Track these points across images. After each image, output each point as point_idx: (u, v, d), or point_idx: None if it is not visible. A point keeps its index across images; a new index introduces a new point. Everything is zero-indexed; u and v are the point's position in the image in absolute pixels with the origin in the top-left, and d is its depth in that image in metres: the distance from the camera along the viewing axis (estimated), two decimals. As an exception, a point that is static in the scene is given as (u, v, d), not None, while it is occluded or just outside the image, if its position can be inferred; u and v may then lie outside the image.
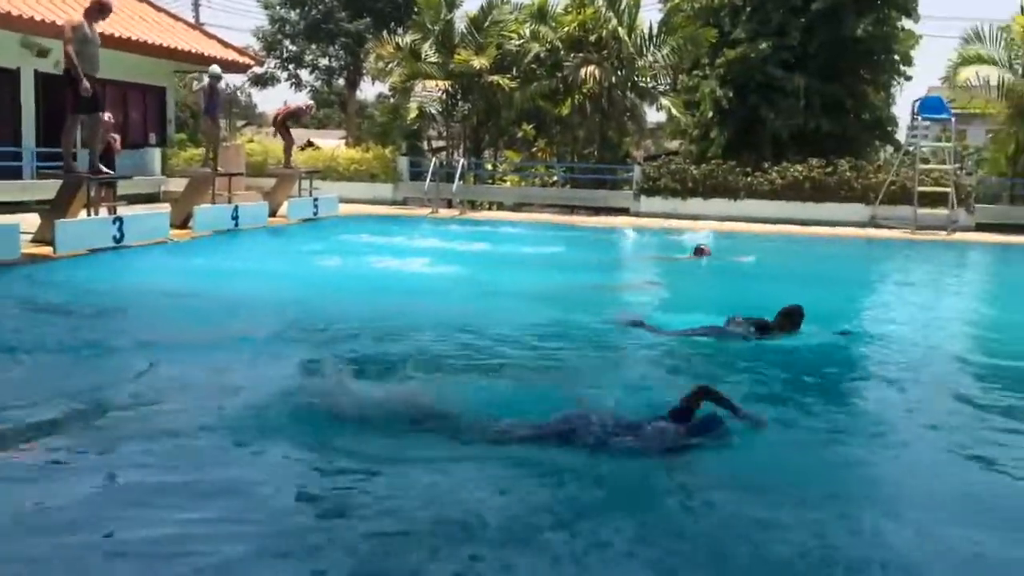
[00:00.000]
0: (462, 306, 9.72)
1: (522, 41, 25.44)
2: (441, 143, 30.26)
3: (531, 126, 28.17)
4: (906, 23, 26.11)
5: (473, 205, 25.61)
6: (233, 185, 19.02)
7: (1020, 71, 22.48)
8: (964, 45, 23.13)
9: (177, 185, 20.34)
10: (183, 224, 16.09)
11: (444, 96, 25.96)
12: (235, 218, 17.01)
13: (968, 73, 22.51)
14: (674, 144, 31.51)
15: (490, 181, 28.16)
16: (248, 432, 5.00)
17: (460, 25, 26.24)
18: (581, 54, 24.61)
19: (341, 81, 38.97)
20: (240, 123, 45.02)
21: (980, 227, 21.97)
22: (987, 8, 63.60)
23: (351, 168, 25.89)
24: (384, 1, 34.65)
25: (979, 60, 22.64)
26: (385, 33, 28.57)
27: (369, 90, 70.39)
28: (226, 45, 26.32)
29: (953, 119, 22.93)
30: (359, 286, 11.17)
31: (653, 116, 30.26)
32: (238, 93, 45.82)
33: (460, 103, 26.71)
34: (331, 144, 34.11)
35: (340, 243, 16.06)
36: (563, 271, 13.33)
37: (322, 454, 4.85)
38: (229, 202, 17.76)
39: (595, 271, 13.91)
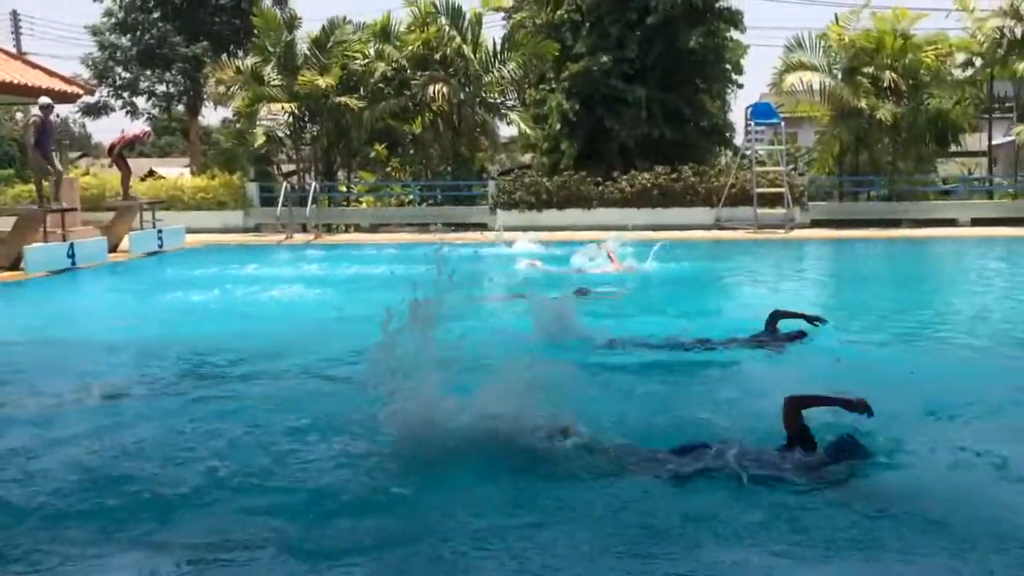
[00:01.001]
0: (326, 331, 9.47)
1: (367, 61, 25.23)
2: (291, 167, 29.55)
3: (383, 146, 27.95)
4: (734, 34, 27.54)
5: (329, 229, 25.11)
6: (68, 221, 17.86)
7: (839, 76, 24.08)
8: (788, 53, 24.61)
9: (4, 224, 18.91)
10: (14, 266, 15.00)
11: (291, 119, 25.40)
12: (71, 256, 16.00)
13: (793, 79, 23.94)
14: (527, 157, 32.01)
15: (345, 203, 27.71)
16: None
17: (302, 46, 25.76)
18: (428, 72, 24.63)
19: (181, 107, 37.42)
20: (75, 155, 42.49)
21: (815, 223, 23.39)
22: (807, 18, 68.07)
23: (197, 197, 24.93)
24: (221, 24, 33.56)
25: (802, 67, 24.13)
26: (224, 57, 27.67)
27: (213, 116, 68.11)
28: (51, 74, 24.64)
29: (782, 123, 24.34)
30: (204, 320, 10.66)
31: (507, 131, 30.70)
32: (71, 123, 43.25)
33: (308, 125, 26.22)
34: (175, 173, 32.69)
35: (187, 276, 15.33)
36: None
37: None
38: (64, 239, 16.66)
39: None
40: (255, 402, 6.42)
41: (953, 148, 27.24)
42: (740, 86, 28.93)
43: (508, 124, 28.18)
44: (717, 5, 26.18)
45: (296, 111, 24.98)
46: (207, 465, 4.94)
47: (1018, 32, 23.47)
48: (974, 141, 28.06)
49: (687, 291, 12.95)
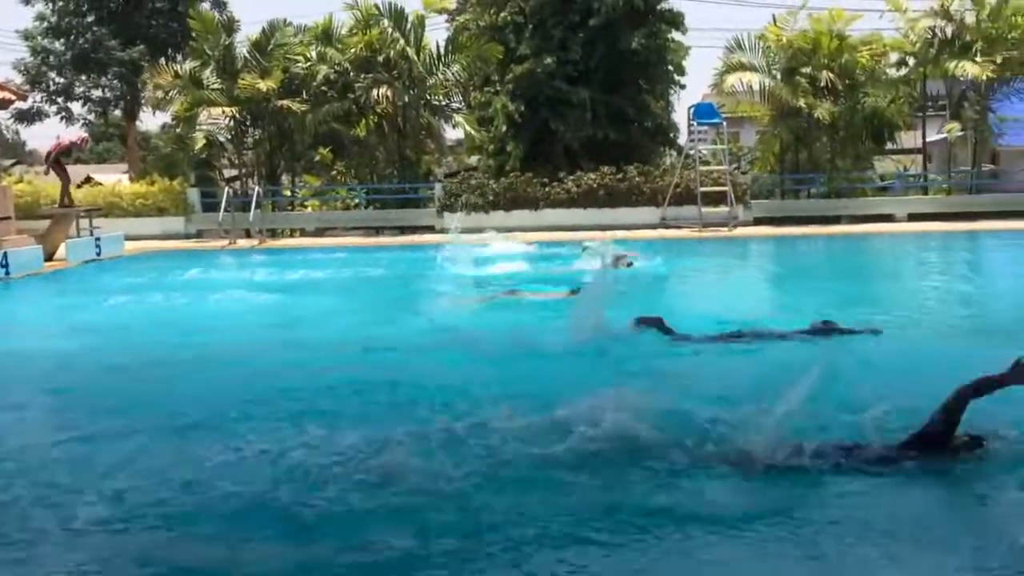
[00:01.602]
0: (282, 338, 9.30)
1: (309, 64, 24.94)
2: (234, 172, 29.07)
3: (328, 149, 27.63)
4: (676, 35, 27.84)
5: (274, 234, 24.75)
6: (2, 229, 17.34)
7: (778, 76, 24.50)
8: (728, 54, 24.97)
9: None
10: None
11: (232, 123, 24.99)
12: (4, 265, 15.52)
13: (733, 80, 24.30)
14: (473, 160, 31.95)
15: (290, 208, 27.34)
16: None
17: (242, 50, 25.36)
18: (371, 75, 24.44)
19: (118, 112, 36.58)
20: (8, 162, 41.21)
21: (758, 221, 23.76)
22: (746, 19, 69.30)
23: (136, 203, 24.40)
24: (158, 28, 32.92)
25: (742, 68, 24.51)
26: (162, 61, 27.12)
27: (152, 121, 66.74)
28: (-20, 79, 24.03)
29: (724, 123, 24.66)
30: (140, 327, 10.40)
31: (453, 133, 30.62)
32: (3, 130, 41.94)
33: (250, 129, 25.83)
34: (112, 179, 31.90)
35: (124, 284, 14.97)
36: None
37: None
38: (-5, 249, 16.14)
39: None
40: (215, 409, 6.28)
41: (889, 146, 27.91)
42: (683, 87, 29.31)
43: (454, 126, 28.17)
44: (658, 7, 26.47)
45: (237, 115, 24.58)
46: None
47: (949, 32, 24.16)
48: (909, 139, 28.76)
49: (680, 286, 13.20)
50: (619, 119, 26.37)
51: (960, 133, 25.65)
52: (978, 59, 23.20)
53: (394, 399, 6.39)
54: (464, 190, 24.36)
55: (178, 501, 4.50)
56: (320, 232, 25.08)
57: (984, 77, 23.11)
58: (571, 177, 24.33)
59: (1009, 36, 23.46)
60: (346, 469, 4.77)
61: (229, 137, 25.94)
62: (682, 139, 28.85)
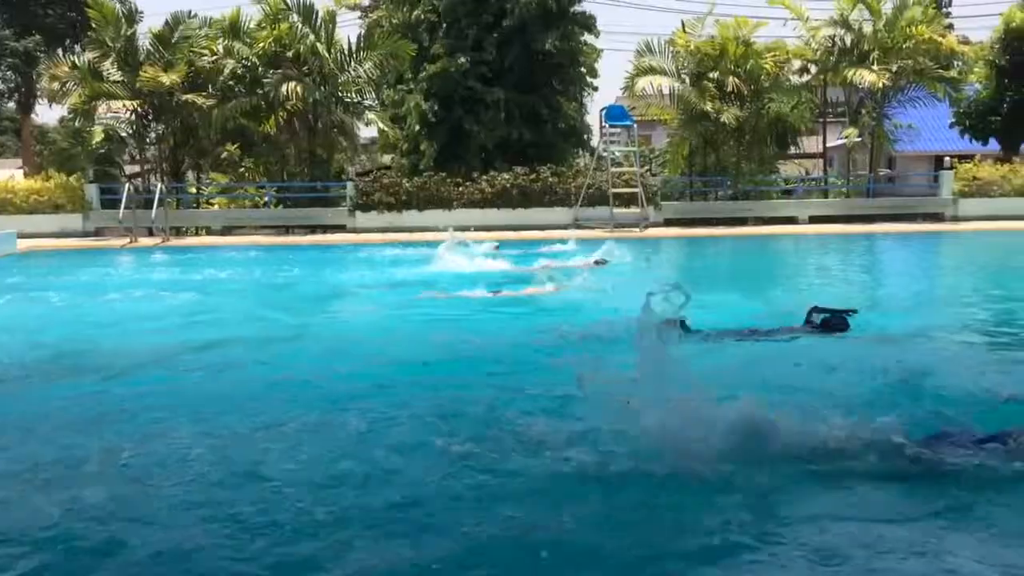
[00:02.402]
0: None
1: (216, 57, 24.26)
2: (136, 168, 28.06)
3: (235, 146, 26.90)
4: (589, 38, 28.15)
5: (178, 232, 23.98)
6: None
7: (687, 80, 25.01)
8: (639, 58, 25.35)
9: None
10: None
11: (134, 117, 24.11)
12: None
13: (644, 83, 24.69)
14: (387, 158, 31.65)
15: (195, 205, 26.54)
16: None
17: (144, 41, 24.49)
18: (280, 70, 23.91)
19: (12, 105, 34.92)
20: None
21: (668, 222, 24.18)
22: (657, 23, 70.62)
23: (31, 199, 23.29)
24: (55, 17, 31.54)
25: (652, 71, 24.92)
26: (60, 52, 26.01)
27: (48, 114, 64.03)
28: None
29: (635, 125, 25.03)
30: (28, 329, 9.89)
31: (367, 132, 30.21)
32: None
33: (153, 124, 24.95)
34: (6, 174, 30.41)
35: (13, 283, 14.25)
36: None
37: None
38: None
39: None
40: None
41: (792, 150, 28.84)
42: (595, 89, 29.71)
43: (367, 124, 27.80)
44: (571, 10, 26.70)
45: (139, 109, 23.75)
46: None
47: (848, 41, 25.07)
48: (811, 143, 29.81)
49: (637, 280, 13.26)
50: (533, 120, 26.50)
51: (858, 139, 26.70)
52: (875, 67, 24.16)
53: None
54: (377, 189, 24.07)
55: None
56: (227, 231, 24.42)
57: (880, 85, 24.06)
58: (485, 177, 24.31)
59: (903, 46, 24.48)
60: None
61: (130, 132, 25.04)
62: (595, 141, 29.17)
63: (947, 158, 29.23)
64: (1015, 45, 26.43)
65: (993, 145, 28.19)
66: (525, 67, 26.15)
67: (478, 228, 22.37)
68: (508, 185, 24.09)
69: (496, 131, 25.72)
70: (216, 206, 27.22)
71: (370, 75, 25.51)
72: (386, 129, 25.54)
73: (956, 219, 23.93)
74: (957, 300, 12.03)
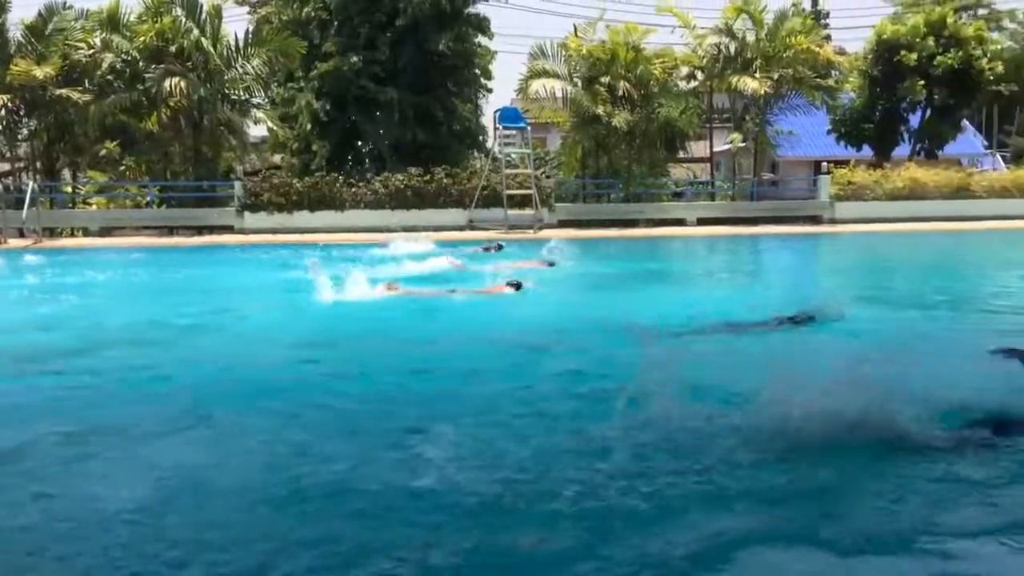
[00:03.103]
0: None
1: (93, 51, 23.22)
2: (6, 166, 26.52)
3: (115, 143, 25.79)
4: (483, 40, 28.23)
5: (52, 233, 22.79)
6: None
7: (579, 84, 25.37)
8: (532, 61, 25.58)
9: None
10: None
11: (3, 112, 22.80)
12: None
13: (537, 86, 24.96)
14: (278, 158, 30.93)
15: (71, 205, 25.30)
16: None
17: (15, 32, 23.20)
18: (163, 65, 23.05)
19: None
20: None
21: (562, 223, 24.45)
22: (551, 27, 71.39)
23: None
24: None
25: (545, 74, 25.20)
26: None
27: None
28: None
29: (529, 127, 25.23)
30: None
31: (257, 131, 29.42)
32: None
33: (25, 119, 23.66)
34: None
35: None
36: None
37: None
38: None
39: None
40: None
41: (681, 154, 29.64)
42: (490, 91, 29.79)
43: (256, 123, 27.08)
44: (465, 11, 26.71)
45: (9, 104, 22.47)
46: None
47: (732, 49, 25.95)
48: (699, 148, 30.68)
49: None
50: (427, 121, 26.38)
51: (743, 144, 27.67)
52: (757, 75, 25.09)
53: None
54: (266, 189, 23.48)
55: None
56: (106, 232, 23.35)
57: (763, 92, 25.01)
58: (378, 178, 24.05)
59: (784, 55, 25.50)
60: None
61: (0, 128, 23.66)
62: (490, 142, 29.28)
63: (825, 163, 30.56)
64: (886, 56, 27.86)
65: (867, 151, 29.64)
66: (419, 68, 26.00)
67: (371, 230, 22.15)
68: (402, 186, 23.90)
69: (390, 132, 25.49)
70: (94, 206, 26.05)
71: (259, 72, 24.91)
72: (276, 128, 24.94)
73: (833, 221, 25.05)
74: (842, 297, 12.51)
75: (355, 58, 24.80)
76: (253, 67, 24.65)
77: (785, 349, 7.50)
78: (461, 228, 23.16)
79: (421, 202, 23.90)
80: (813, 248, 21.76)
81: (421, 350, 7.81)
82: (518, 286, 10.79)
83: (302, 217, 23.23)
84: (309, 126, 25.52)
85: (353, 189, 23.80)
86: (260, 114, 25.61)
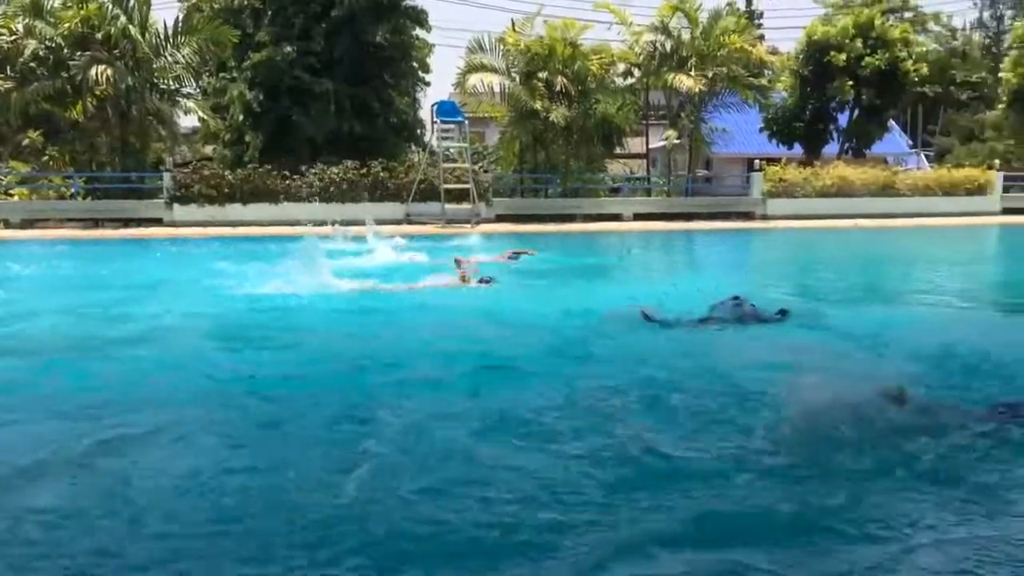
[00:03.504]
0: None
1: (15, 37, 22.36)
2: (-79, 155, 25.44)
3: (38, 133, 24.93)
4: (420, 33, 28.02)
5: (-30, 225, 21.91)
6: None
7: (517, 79, 25.36)
8: (470, 55, 25.48)
9: None
10: None
11: (-82, 99, 21.84)
12: None
13: (475, 80, 24.86)
14: (209, 149, 30.27)
15: (-9, 196, 24.34)
16: None
17: (-69, 16, 22.25)
18: (89, 53, 22.32)
19: None
20: None
21: (499, 218, 24.43)
22: (489, 21, 71.28)
23: None
24: None
25: (483, 68, 25.12)
26: None
27: None
28: None
29: (466, 121, 25.13)
30: None
31: (189, 121, 28.74)
32: None
33: (-59, 107, 22.69)
34: None
35: None
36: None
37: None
38: None
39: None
40: None
41: (618, 150, 29.86)
42: (427, 84, 29.62)
43: (186, 113, 26.44)
44: (402, 3, 26.47)
45: (-76, 90, 21.52)
46: None
47: (668, 47, 26.22)
48: (635, 144, 30.97)
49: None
50: (364, 113, 26.08)
51: (678, 140, 27.97)
52: (692, 73, 25.41)
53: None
54: (197, 181, 22.94)
55: None
56: (28, 224, 22.53)
57: (697, 90, 25.33)
58: (314, 170, 23.69)
59: (718, 54, 25.88)
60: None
61: (-85, 115, 22.68)
62: (428, 136, 29.10)
63: (757, 161, 31.16)
64: (816, 57, 28.52)
65: (798, 149, 30.32)
66: (355, 59, 25.69)
67: (306, 223, 21.81)
68: (338, 179, 23.60)
69: (325, 123, 25.13)
70: (16, 197, 25.06)
71: (189, 61, 24.35)
72: (207, 119, 24.38)
73: (765, 217, 25.55)
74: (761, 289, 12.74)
75: (289, 48, 24.38)
76: (183, 56, 24.08)
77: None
78: (398, 222, 22.97)
79: (357, 195, 23.63)
80: (746, 243, 22.17)
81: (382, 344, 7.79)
82: (488, 281, 11.12)
83: (234, 210, 22.76)
84: (242, 117, 25.02)
85: (287, 182, 23.40)
86: (191, 104, 25.03)
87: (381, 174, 23.89)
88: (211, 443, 4.86)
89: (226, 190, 22.92)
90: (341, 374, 6.71)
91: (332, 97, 25.20)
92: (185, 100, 24.97)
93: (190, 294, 11.17)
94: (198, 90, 27.19)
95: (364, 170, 23.79)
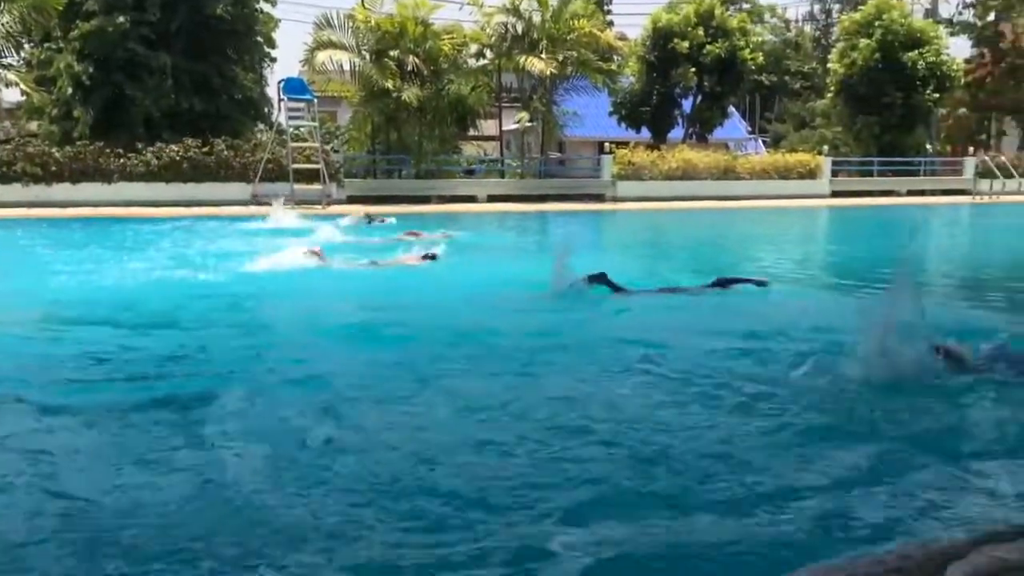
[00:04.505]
0: None
1: None
2: None
3: None
4: (265, 7, 26.97)
5: None
6: None
7: (368, 57, 24.84)
8: (318, 31, 24.75)
9: None
10: None
11: None
12: None
13: (324, 57, 24.18)
14: (34, 125, 28.11)
15: None
16: None
17: None
18: None
19: None
20: None
21: (352, 199, 23.92)
22: None
23: None
24: None
25: (332, 45, 24.46)
26: None
27: None
28: None
29: (315, 99, 24.43)
30: None
31: (11, 95, 26.53)
32: None
33: None
34: None
35: None
36: None
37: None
38: None
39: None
40: None
41: (472, 132, 29.87)
42: (274, 60, 28.57)
43: (7, 86, 24.39)
44: (246, -26, 25.39)
45: None
46: None
47: (519, 29, 26.37)
48: (489, 126, 31.04)
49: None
50: (205, 89, 24.89)
51: (531, 123, 28.28)
52: (543, 56, 25.66)
53: None
54: (20, 159, 21.26)
55: None
56: None
57: (548, 73, 25.61)
58: (151, 149, 22.43)
59: (568, 37, 26.24)
60: None
61: None
62: (275, 114, 28.13)
63: (608, 144, 31.91)
64: (661, 43, 29.43)
65: (645, 133, 31.25)
66: (195, 32, 24.46)
67: (144, 204, 20.74)
68: (178, 158, 22.46)
69: (163, 99, 23.82)
70: None
71: (10, 30, 22.53)
72: (31, 92, 22.61)
73: (615, 199, 26.20)
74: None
75: (121, 18, 22.88)
76: (3, 24, 22.23)
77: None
78: (245, 203, 22.11)
79: (199, 175, 22.57)
80: (597, 224, 22.64)
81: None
82: (432, 256, 11.11)
83: (63, 189, 21.29)
84: (70, 90, 23.32)
85: (122, 160, 22.05)
86: (12, 76, 23.11)
87: (225, 153, 22.90)
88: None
89: (53, 168, 21.38)
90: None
91: (169, 71, 23.91)
92: (7, 72, 23.03)
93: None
94: (20, 61, 25.20)
95: (207, 149, 22.72)
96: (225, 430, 4.21)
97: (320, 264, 10.56)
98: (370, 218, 16.70)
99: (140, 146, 22.46)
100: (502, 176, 28.39)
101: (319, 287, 9.37)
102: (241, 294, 8.82)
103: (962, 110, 37.01)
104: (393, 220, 17.06)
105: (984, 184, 29.18)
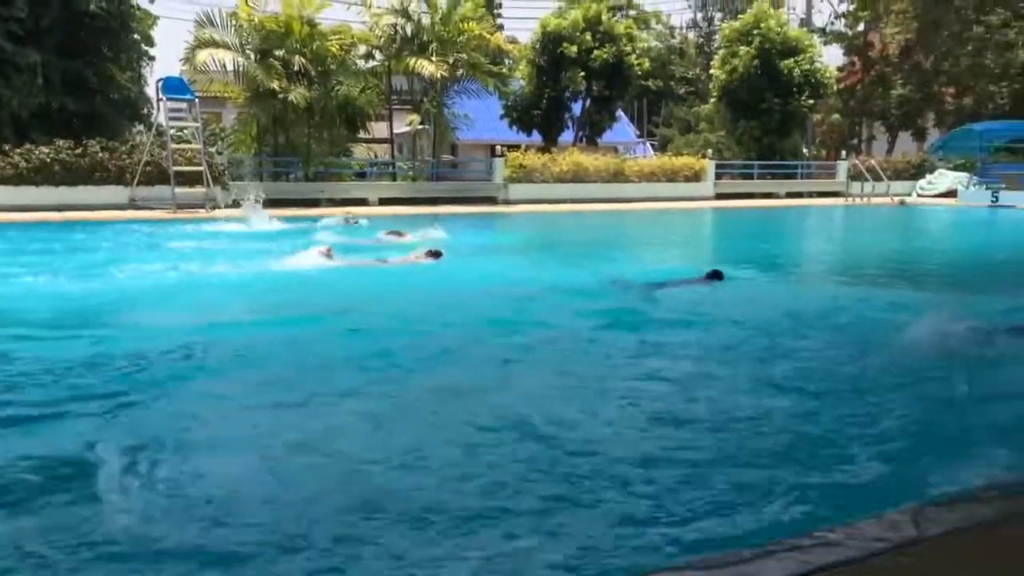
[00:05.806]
0: None
1: None
2: None
3: None
4: (142, 2, 25.94)
5: None
6: None
7: (252, 57, 24.16)
8: (199, 29, 23.91)
9: None
10: None
11: None
12: None
13: (205, 56, 23.36)
14: None
15: None
16: None
17: None
18: None
19: None
20: None
21: (238, 203, 23.13)
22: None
23: None
24: None
25: (214, 44, 23.68)
26: None
27: None
28: None
29: (196, 99, 23.60)
30: None
31: None
32: None
33: None
34: None
35: None
36: None
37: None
38: None
39: None
40: None
41: (362, 134, 29.46)
42: (152, 59, 27.44)
43: None
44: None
45: None
46: None
47: (409, 31, 26.19)
48: (380, 129, 30.74)
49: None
50: (78, 88, 23.73)
51: (422, 126, 28.13)
52: (434, 58, 25.56)
53: None
54: None
55: None
56: None
57: (439, 75, 25.53)
58: (19, 150, 21.18)
59: (459, 40, 26.23)
60: None
61: None
62: (155, 115, 27.04)
63: (499, 147, 32.06)
64: (551, 48, 29.78)
65: (536, 136, 31.54)
66: (67, 29, 23.28)
67: (11, 209, 19.60)
68: (49, 160, 21.26)
69: (32, 98, 22.58)
70: None
71: None
72: None
73: (508, 202, 26.32)
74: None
75: (-14, 13, 21.59)
76: None
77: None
78: (123, 208, 21.17)
79: (72, 178, 21.45)
80: (488, 226, 22.68)
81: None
82: (437, 254, 11.85)
83: (-82, 194, 19.86)
84: (-72, 88, 21.86)
85: (-13, 162, 20.75)
86: None
87: (100, 155, 21.84)
88: None
89: (-93, 171, 19.92)
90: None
91: (39, 70, 22.67)
92: None
93: None
94: None
95: (80, 150, 21.63)
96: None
97: (332, 264, 11.36)
98: (346, 220, 17.86)
99: (7, 148, 21.17)
100: (394, 179, 28.13)
101: (343, 286, 10.30)
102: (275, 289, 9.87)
103: (835, 116, 38.95)
104: (366, 222, 18.15)
105: (856, 187, 30.72)
